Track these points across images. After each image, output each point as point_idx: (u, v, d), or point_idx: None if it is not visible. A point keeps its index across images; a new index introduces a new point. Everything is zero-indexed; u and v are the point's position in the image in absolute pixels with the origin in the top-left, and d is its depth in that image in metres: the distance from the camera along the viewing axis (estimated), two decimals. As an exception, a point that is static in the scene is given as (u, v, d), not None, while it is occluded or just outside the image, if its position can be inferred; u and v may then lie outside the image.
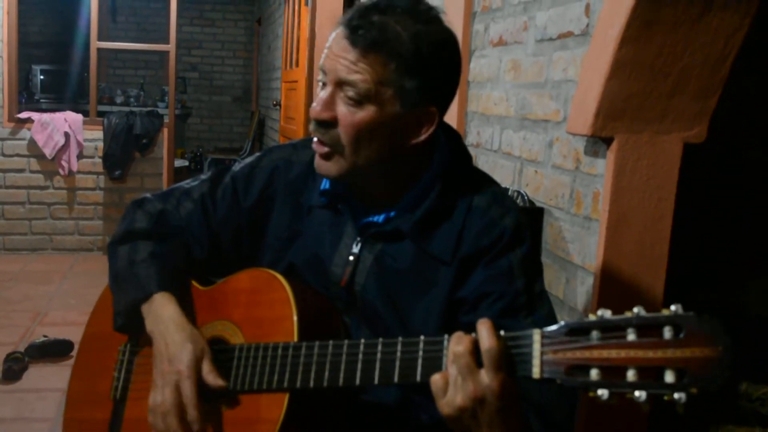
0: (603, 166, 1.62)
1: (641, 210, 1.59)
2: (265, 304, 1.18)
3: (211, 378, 1.13)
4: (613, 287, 1.60)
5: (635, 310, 0.83)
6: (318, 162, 1.18)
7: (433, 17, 1.14)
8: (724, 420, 2.06)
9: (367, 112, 1.11)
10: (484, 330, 0.91)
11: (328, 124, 1.13)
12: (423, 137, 1.17)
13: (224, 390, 1.14)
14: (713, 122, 1.60)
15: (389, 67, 1.09)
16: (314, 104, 1.14)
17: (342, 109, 1.12)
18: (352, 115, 1.11)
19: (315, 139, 1.17)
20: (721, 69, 1.54)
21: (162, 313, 1.20)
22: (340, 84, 1.11)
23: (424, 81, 1.12)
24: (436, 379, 0.93)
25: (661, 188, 1.60)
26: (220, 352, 1.18)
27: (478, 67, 2.39)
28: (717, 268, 2.43)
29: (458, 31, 2.44)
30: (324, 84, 1.15)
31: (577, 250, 1.73)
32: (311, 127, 1.17)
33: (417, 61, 1.10)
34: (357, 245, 1.23)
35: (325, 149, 1.15)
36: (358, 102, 1.10)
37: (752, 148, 2.45)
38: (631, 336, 0.82)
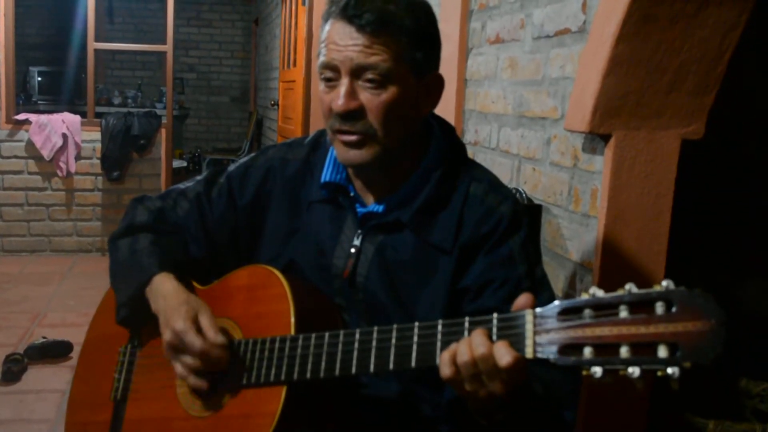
0: (601, 163, 1.62)
1: (639, 207, 1.59)
2: (263, 300, 1.18)
3: (211, 333, 1.13)
4: (611, 284, 1.59)
5: (627, 287, 0.83)
6: (347, 153, 1.17)
7: None
8: (724, 416, 2.07)
9: (390, 92, 1.13)
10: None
11: (355, 115, 1.13)
12: (434, 105, 1.23)
13: (225, 347, 1.14)
14: (711, 118, 1.60)
15: (401, 43, 1.13)
16: (336, 100, 1.13)
17: (366, 95, 1.13)
18: (378, 98, 1.13)
19: (338, 132, 1.16)
20: (719, 65, 1.54)
21: (161, 289, 1.22)
22: (357, 72, 1.12)
23: (429, 49, 1.18)
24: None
25: (659, 185, 1.60)
26: None
27: (475, 65, 2.39)
28: (715, 265, 2.43)
29: (455, 30, 2.44)
30: (330, 80, 1.15)
31: (575, 248, 1.74)
32: (333, 123, 1.16)
33: (420, 32, 1.15)
34: (358, 238, 1.23)
35: (355, 137, 1.15)
36: (381, 84, 1.12)
37: (750, 145, 2.45)
38: (624, 313, 0.82)
